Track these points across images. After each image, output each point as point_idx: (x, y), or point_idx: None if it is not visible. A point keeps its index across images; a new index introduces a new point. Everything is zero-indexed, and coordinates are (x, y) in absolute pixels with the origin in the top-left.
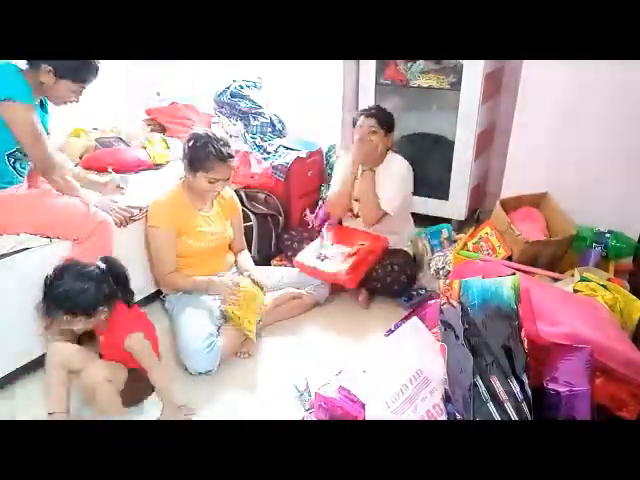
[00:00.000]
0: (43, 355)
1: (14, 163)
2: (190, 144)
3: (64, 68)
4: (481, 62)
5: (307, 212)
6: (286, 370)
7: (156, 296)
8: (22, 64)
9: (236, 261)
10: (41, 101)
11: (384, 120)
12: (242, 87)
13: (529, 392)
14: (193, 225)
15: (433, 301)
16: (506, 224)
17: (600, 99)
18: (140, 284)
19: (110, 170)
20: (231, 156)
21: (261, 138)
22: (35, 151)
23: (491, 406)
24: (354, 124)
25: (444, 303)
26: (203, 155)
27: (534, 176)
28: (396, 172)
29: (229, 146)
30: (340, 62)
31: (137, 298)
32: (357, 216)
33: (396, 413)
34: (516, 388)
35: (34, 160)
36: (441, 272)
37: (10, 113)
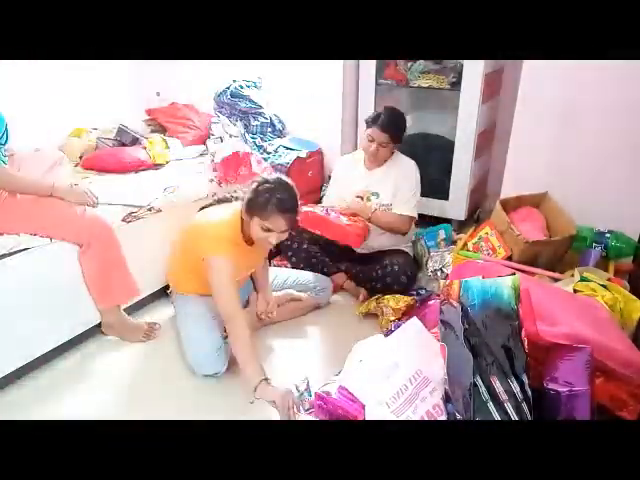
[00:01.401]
0: (43, 355)
1: None
2: (254, 186)
3: None
4: (481, 62)
5: None
6: (286, 370)
7: (162, 292)
8: None
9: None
10: None
11: (397, 136)
12: (242, 87)
13: (529, 392)
14: (240, 260)
15: (433, 301)
16: (506, 224)
17: (600, 99)
18: (145, 281)
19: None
20: (293, 210)
21: (261, 138)
22: None
23: (491, 406)
24: (367, 125)
25: (444, 303)
26: (262, 200)
27: (534, 176)
28: (410, 176)
29: (295, 199)
30: (340, 62)
31: (143, 295)
32: (354, 215)
33: (396, 413)
34: (516, 388)
35: None
36: (439, 274)
37: None
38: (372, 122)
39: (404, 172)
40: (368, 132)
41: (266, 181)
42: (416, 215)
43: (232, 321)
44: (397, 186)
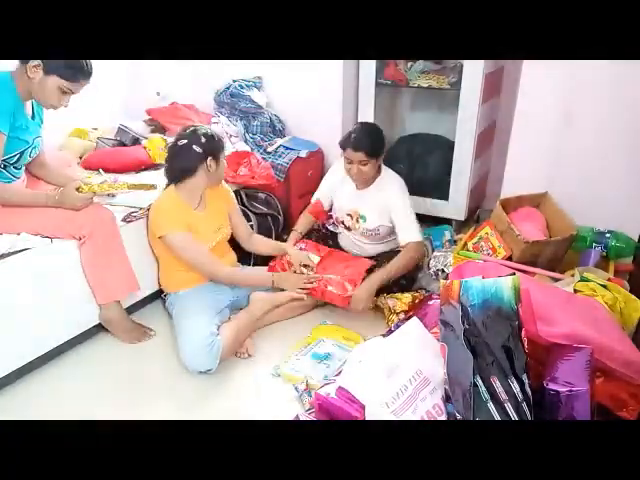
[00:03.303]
0: (43, 355)
1: (5, 168)
2: (205, 140)
3: (53, 63)
4: (481, 62)
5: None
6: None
7: (156, 296)
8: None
9: (247, 249)
10: (32, 110)
11: (373, 151)
12: (242, 87)
13: (529, 392)
14: (195, 226)
15: (433, 301)
16: (506, 224)
17: (600, 99)
18: (145, 281)
19: (101, 171)
20: (218, 136)
21: (261, 138)
22: None
23: (491, 406)
24: (342, 148)
25: (444, 303)
26: (219, 142)
27: (534, 176)
28: (398, 197)
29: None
30: (340, 62)
31: (142, 295)
32: (349, 229)
33: (396, 413)
34: (516, 388)
35: None
36: (440, 274)
37: None
38: (345, 143)
39: (392, 194)
40: (345, 155)
41: (201, 133)
42: (420, 238)
43: (218, 274)
44: (388, 210)
